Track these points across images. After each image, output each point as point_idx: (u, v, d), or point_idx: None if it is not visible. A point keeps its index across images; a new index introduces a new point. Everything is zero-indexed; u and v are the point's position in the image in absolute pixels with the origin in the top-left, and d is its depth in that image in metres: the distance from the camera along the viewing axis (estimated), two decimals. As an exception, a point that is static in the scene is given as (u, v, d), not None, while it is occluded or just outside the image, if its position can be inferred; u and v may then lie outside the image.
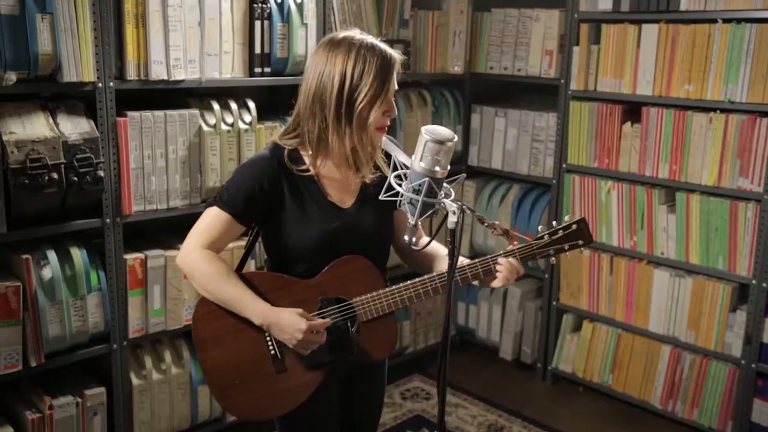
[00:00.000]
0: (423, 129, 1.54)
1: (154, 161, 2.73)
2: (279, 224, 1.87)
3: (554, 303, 3.76)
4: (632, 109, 3.36)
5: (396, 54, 1.83)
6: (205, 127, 2.84)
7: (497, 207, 3.89)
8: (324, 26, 3.17)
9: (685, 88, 3.12)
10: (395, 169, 1.62)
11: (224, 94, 3.01)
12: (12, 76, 2.32)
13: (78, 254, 2.60)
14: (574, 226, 1.89)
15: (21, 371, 2.52)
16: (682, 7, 3.09)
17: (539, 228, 1.92)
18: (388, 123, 1.86)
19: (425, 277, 1.88)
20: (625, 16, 3.29)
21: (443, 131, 1.54)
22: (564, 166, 3.59)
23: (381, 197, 1.62)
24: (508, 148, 3.84)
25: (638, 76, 3.26)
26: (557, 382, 3.85)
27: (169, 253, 2.81)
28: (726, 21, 2.99)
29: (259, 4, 2.92)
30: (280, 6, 3.00)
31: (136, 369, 2.89)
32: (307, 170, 1.86)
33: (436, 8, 3.72)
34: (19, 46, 2.31)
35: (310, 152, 1.86)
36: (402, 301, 1.87)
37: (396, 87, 1.84)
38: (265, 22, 2.95)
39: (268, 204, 1.85)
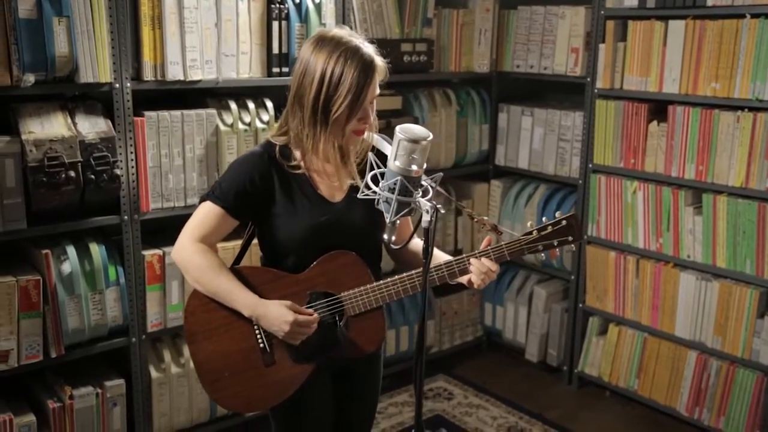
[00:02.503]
0: (397, 128, 1.54)
1: (172, 160, 2.80)
2: (270, 218, 1.90)
3: (580, 305, 3.70)
4: (658, 108, 3.28)
5: (379, 60, 1.83)
6: (222, 127, 2.89)
7: (523, 207, 3.84)
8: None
9: (711, 85, 3.03)
10: (373, 168, 1.63)
11: (245, 94, 3.06)
12: (30, 78, 2.41)
13: (97, 250, 2.68)
14: (563, 222, 1.88)
15: (42, 361, 2.61)
16: (709, 2, 2.99)
17: (528, 224, 1.91)
18: (365, 129, 1.86)
19: (413, 272, 1.89)
20: (652, 12, 3.21)
21: (418, 130, 1.54)
22: (590, 166, 3.53)
23: (359, 196, 1.63)
24: (534, 148, 3.79)
25: (664, 74, 3.18)
26: (584, 386, 3.78)
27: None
28: (754, 16, 2.89)
29: (277, 5, 2.96)
30: (298, 6, 3.03)
31: (155, 362, 2.97)
32: (298, 166, 1.89)
33: (461, 6, 3.70)
34: (36, 48, 2.40)
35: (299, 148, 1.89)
36: (390, 295, 1.88)
37: (377, 92, 1.85)
38: (283, 23, 2.99)
39: (258, 198, 1.88)
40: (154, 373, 2.93)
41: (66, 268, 2.61)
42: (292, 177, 1.89)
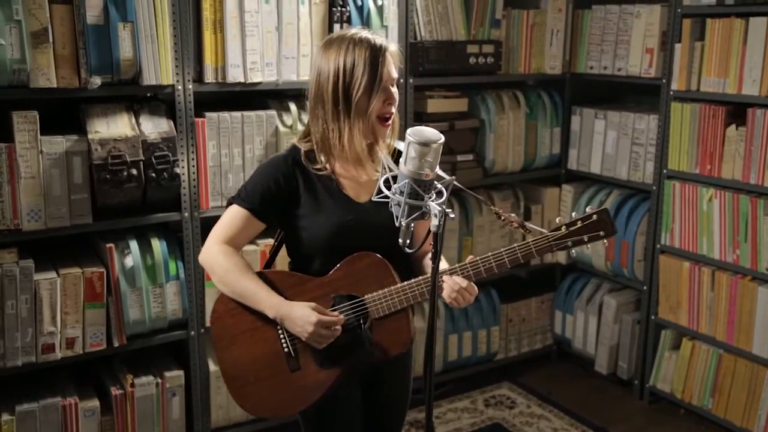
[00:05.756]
0: (408, 131, 1.52)
1: (231, 160, 2.88)
2: (295, 219, 1.92)
3: (653, 317, 3.53)
4: (737, 111, 3.09)
5: (387, 43, 1.84)
6: (281, 128, 2.95)
7: (595, 213, 3.71)
8: (406, 28, 3.18)
9: (795, 87, 2.83)
10: (386, 170, 1.61)
11: (306, 95, 3.10)
12: (97, 80, 2.54)
13: (158, 245, 2.79)
14: (594, 217, 1.81)
15: (105, 350, 2.75)
16: (794, -2, 2.80)
17: (557, 219, 1.86)
18: (392, 112, 1.86)
19: (440, 271, 1.85)
20: (731, 10, 3.03)
21: (428, 132, 1.52)
22: (664, 171, 3.36)
23: (373, 198, 1.62)
24: (607, 152, 3.65)
25: (744, 75, 2.99)
26: (656, 402, 3.60)
27: (247, 247, 2.94)
28: (843, 12, 2.68)
29: (338, 8, 2.99)
30: (360, 9, 3.05)
31: (214, 356, 3.05)
32: (323, 169, 1.90)
33: (532, 7, 3.61)
34: (103, 52, 2.53)
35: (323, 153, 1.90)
36: (414, 297, 1.85)
37: (395, 76, 1.85)
38: (344, 25, 3.01)
39: (283, 199, 1.90)
40: (212, 366, 3.02)
41: (129, 261, 2.73)
42: (317, 178, 1.90)
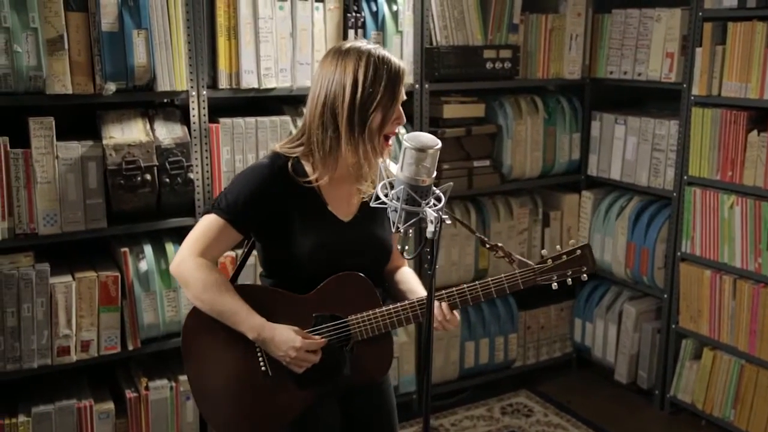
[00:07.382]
0: (405, 136, 1.51)
1: (245, 165, 2.87)
2: (277, 233, 1.84)
3: (673, 326, 3.47)
4: (759, 116, 3.02)
5: (403, 65, 1.81)
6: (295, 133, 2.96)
7: (614, 220, 3.66)
8: (422, 33, 3.17)
9: (818, 92, 2.76)
10: (383, 177, 1.60)
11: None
12: (111, 87, 2.57)
13: (172, 250, 2.81)
14: (578, 252, 1.81)
15: (120, 353, 2.77)
16: (817, 1, 2.73)
17: (542, 252, 1.84)
18: (395, 133, 1.83)
19: (423, 297, 1.82)
20: (753, 13, 2.97)
21: (425, 138, 1.50)
22: (685, 178, 3.30)
23: (371, 204, 1.60)
24: (627, 158, 3.60)
25: (766, 79, 2.92)
26: (678, 413, 3.54)
27: (260, 252, 2.96)
28: None
29: (353, 13, 2.99)
30: (375, 15, 3.05)
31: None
32: (310, 181, 1.82)
33: (551, 11, 3.58)
34: (117, 59, 2.55)
35: (313, 162, 1.83)
36: (399, 321, 1.81)
37: (405, 97, 1.82)
38: (359, 31, 3.02)
39: (267, 211, 1.82)
40: (226, 371, 3.03)
41: (143, 266, 2.76)
42: (302, 192, 1.82)
